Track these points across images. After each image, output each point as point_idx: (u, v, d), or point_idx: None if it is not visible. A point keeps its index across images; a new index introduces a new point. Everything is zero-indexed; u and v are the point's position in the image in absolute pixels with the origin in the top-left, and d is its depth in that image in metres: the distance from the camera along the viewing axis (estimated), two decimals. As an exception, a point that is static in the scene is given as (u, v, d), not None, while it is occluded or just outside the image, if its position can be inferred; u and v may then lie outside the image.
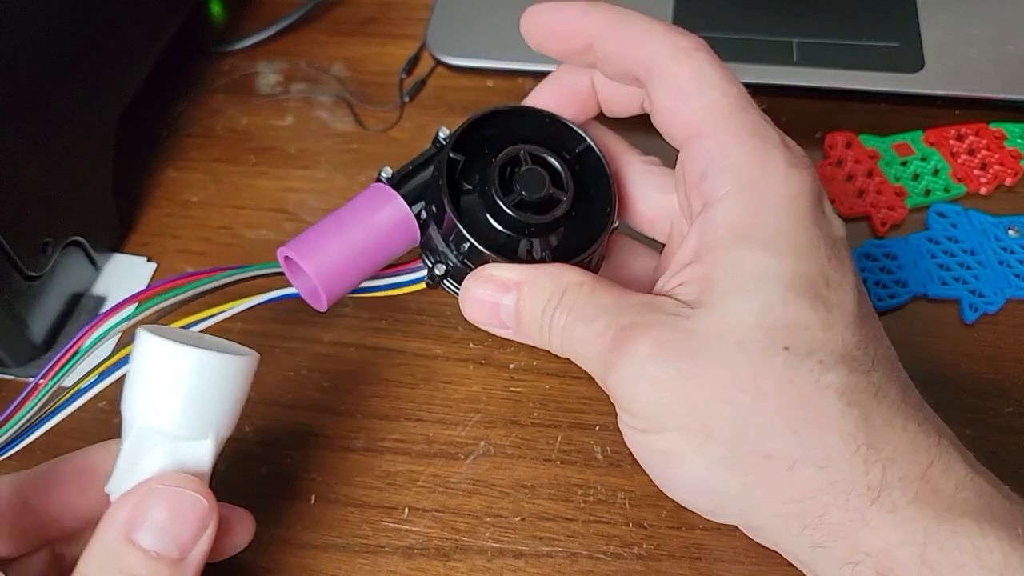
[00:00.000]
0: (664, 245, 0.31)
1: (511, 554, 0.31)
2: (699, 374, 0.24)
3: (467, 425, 0.35)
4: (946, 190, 0.41)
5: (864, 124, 0.43)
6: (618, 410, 0.27)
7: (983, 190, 0.41)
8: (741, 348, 0.24)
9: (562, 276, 0.28)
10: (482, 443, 0.34)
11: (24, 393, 0.29)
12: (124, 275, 0.40)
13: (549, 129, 0.31)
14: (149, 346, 0.26)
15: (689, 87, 0.27)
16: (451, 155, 0.30)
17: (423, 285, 0.31)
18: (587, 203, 0.31)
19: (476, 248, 0.29)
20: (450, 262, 0.30)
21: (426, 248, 0.31)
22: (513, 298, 0.28)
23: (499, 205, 0.29)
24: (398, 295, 0.32)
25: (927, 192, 0.41)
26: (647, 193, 0.31)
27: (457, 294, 0.31)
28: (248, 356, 0.28)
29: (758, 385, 0.24)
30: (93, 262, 0.39)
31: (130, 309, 0.31)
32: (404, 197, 0.31)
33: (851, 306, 0.25)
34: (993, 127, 0.42)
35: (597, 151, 0.31)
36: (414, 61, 0.48)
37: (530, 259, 0.29)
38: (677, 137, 0.28)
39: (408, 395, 0.35)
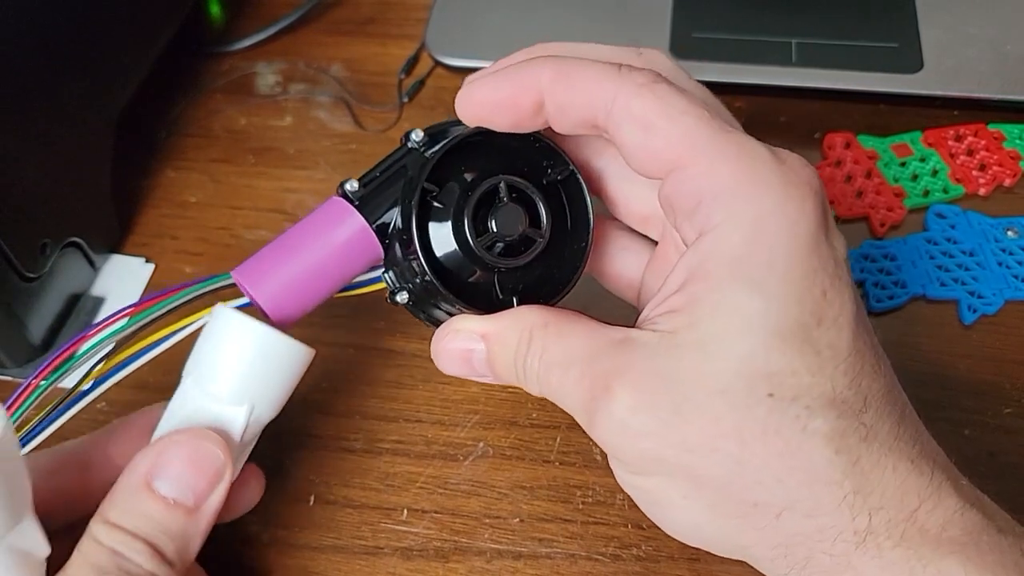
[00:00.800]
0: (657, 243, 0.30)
1: (510, 555, 0.31)
2: (683, 424, 0.24)
3: (466, 426, 0.35)
4: (945, 191, 0.41)
5: (863, 125, 0.43)
6: (608, 455, 0.27)
7: (982, 191, 0.41)
8: (723, 396, 0.24)
9: (526, 319, 0.27)
10: (481, 444, 0.34)
11: (13, 395, 0.29)
12: (122, 276, 0.40)
13: (532, 147, 0.29)
14: (216, 316, 0.28)
15: (659, 121, 0.25)
16: (425, 185, 0.27)
17: (383, 284, 0.30)
18: (563, 233, 0.29)
19: (440, 290, 0.27)
20: (412, 287, 0.29)
21: (390, 265, 0.30)
22: (483, 348, 0.28)
23: (469, 243, 0.27)
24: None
25: (926, 193, 0.41)
26: (636, 190, 0.29)
27: (419, 319, 0.30)
28: (303, 347, 0.28)
29: (742, 435, 0.23)
30: (91, 263, 0.39)
31: (122, 322, 0.31)
32: (366, 206, 0.29)
33: (845, 343, 0.24)
34: (992, 128, 0.42)
35: (580, 179, 0.29)
36: (413, 62, 0.48)
37: (496, 297, 0.28)
38: (656, 172, 0.26)
39: (407, 396, 0.35)
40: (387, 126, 0.45)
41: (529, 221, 0.28)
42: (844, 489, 0.23)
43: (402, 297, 0.29)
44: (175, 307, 0.31)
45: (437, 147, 0.28)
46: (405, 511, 0.33)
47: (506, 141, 0.28)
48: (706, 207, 0.25)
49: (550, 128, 0.28)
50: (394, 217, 0.29)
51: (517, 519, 0.32)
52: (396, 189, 0.29)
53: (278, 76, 0.48)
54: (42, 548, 0.25)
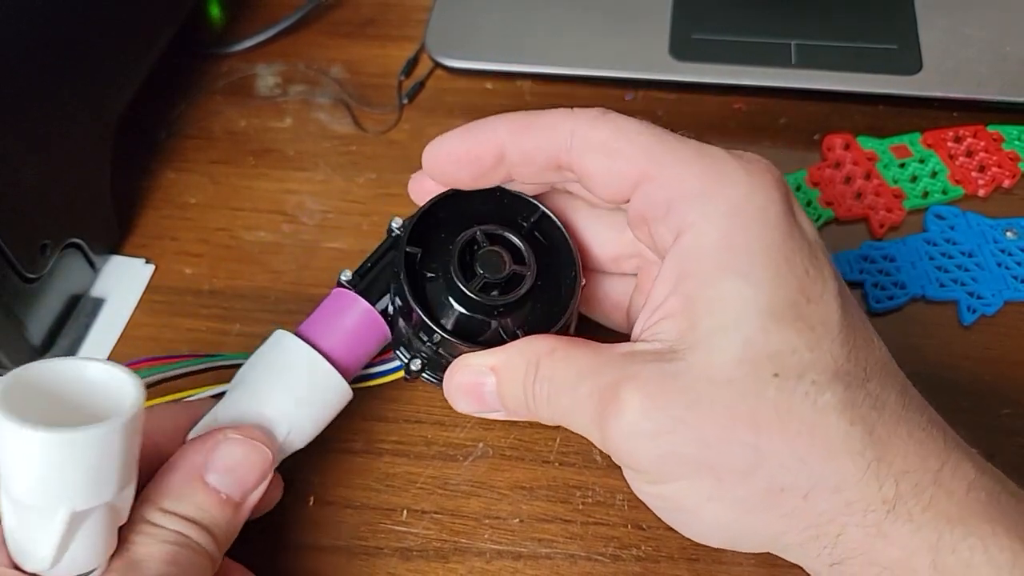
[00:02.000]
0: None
1: (510, 556, 0.31)
2: (697, 419, 0.24)
3: (465, 427, 0.35)
4: (944, 192, 0.41)
5: (862, 126, 0.43)
6: (623, 468, 0.27)
7: (981, 192, 0.41)
8: (732, 385, 0.24)
9: (532, 348, 0.28)
10: (480, 445, 0.34)
11: None
12: (122, 277, 0.40)
13: (501, 202, 0.31)
14: (277, 338, 0.30)
15: (619, 143, 0.27)
16: (408, 249, 0.29)
17: (402, 374, 0.31)
18: (552, 270, 0.31)
19: (447, 339, 0.29)
20: (423, 353, 0.30)
21: (398, 343, 0.31)
22: (493, 382, 0.28)
23: (463, 291, 0.29)
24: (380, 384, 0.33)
25: (925, 194, 0.41)
26: (601, 234, 0.31)
27: (437, 384, 0.31)
28: (347, 386, 0.30)
29: (757, 420, 0.24)
30: (91, 264, 0.39)
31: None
32: (368, 295, 0.31)
33: (835, 316, 0.25)
34: (991, 129, 0.42)
35: (552, 217, 0.31)
36: (413, 63, 0.48)
37: (503, 339, 0.29)
38: (623, 191, 0.27)
39: (407, 397, 0.35)
40: (387, 128, 0.45)
41: (513, 260, 0.30)
42: (867, 458, 0.24)
43: (415, 364, 0.30)
44: (180, 374, 0.34)
45: (412, 215, 0.30)
46: (405, 511, 0.33)
47: (476, 201, 0.31)
48: (678, 210, 0.26)
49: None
50: (389, 298, 0.31)
51: (517, 519, 0.32)
52: (388, 275, 0.31)
53: (278, 78, 0.48)
54: (127, 513, 0.26)
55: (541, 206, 0.31)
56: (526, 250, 0.30)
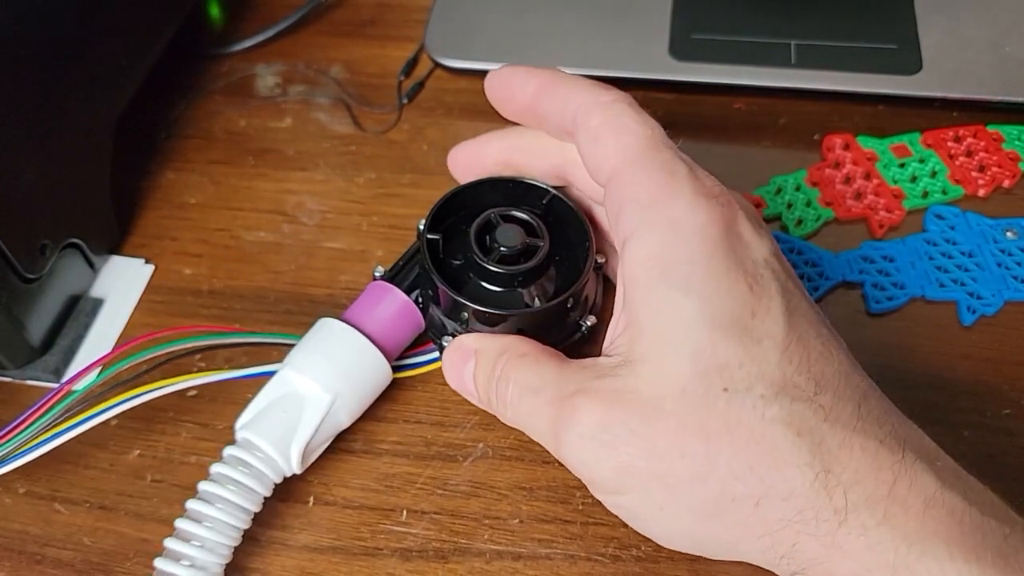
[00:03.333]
0: None
1: (509, 556, 0.31)
2: (650, 432, 0.25)
3: (465, 427, 0.35)
4: (944, 192, 0.41)
5: (862, 126, 0.43)
6: (582, 478, 0.27)
7: (981, 192, 0.41)
8: (683, 397, 0.24)
9: (508, 346, 0.29)
10: (480, 445, 0.34)
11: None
12: (122, 277, 0.40)
13: (514, 192, 0.34)
14: (322, 323, 0.33)
15: (606, 134, 0.28)
16: (429, 236, 0.32)
17: (439, 364, 0.34)
18: (567, 244, 0.33)
19: (477, 310, 0.31)
20: (457, 334, 0.32)
21: (432, 330, 0.34)
22: (471, 366, 0.30)
23: (484, 266, 0.32)
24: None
25: (925, 194, 0.41)
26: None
27: None
28: (388, 366, 0.33)
29: (707, 431, 0.24)
30: (91, 264, 0.39)
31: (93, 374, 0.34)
32: (401, 288, 0.34)
33: (781, 332, 0.25)
34: (991, 129, 0.42)
35: (563, 198, 0.33)
36: (412, 63, 0.48)
37: (527, 307, 0.32)
38: (600, 182, 0.29)
39: (406, 397, 0.35)
40: (387, 127, 0.45)
41: (527, 235, 0.32)
42: (814, 468, 0.24)
43: (448, 342, 0.32)
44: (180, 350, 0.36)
45: (431, 208, 0.33)
46: (404, 512, 0.33)
47: (490, 191, 0.34)
48: (626, 215, 0.27)
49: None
50: (419, 292, 0.34)
51: (517, 520, 0.32)
52: (417, 270, 0.34)
53: (278, 78, 0.48)
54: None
55: (551, 189, 0.34)
56: (538, 225, 0.33)
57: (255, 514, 0.30)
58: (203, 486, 0.30)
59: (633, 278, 0.26)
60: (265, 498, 0.31)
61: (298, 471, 0.31)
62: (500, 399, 0.29)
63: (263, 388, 0.32)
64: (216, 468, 0.30)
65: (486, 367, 0.29)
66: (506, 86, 0.32)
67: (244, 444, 0.31)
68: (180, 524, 0.29)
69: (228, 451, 0.30)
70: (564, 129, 0.30)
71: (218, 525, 0.29)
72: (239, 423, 0.31)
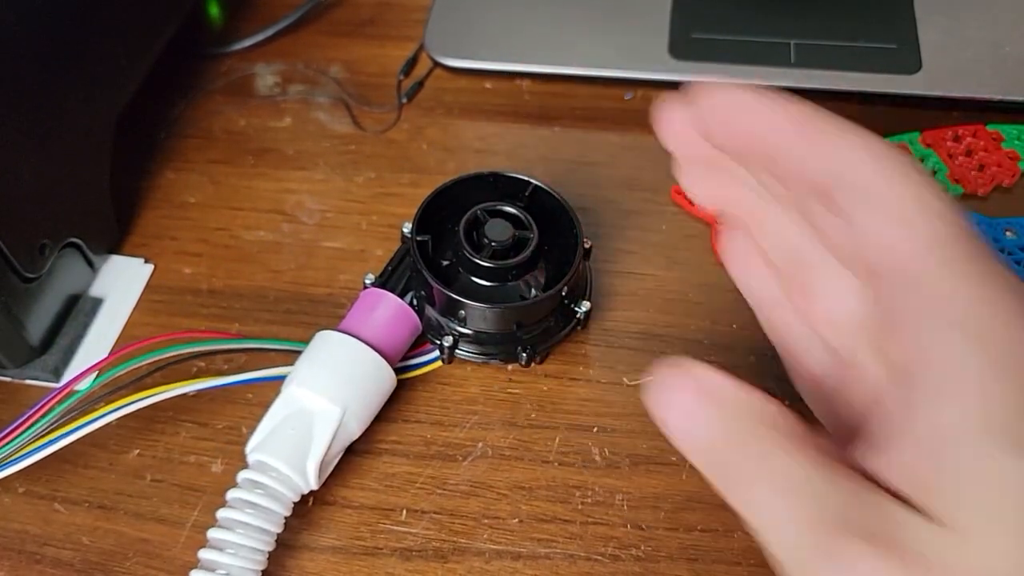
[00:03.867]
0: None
1: (509, 556, 0.31)
2: None
3: (465, 427, 0.35)
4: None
5: (861, 125, 0.43)
6: None
7: (980, 191, 0.41)
8: None
9: (759, 406, 0.22)
10: (480, 445, 0.34)
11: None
12: (121, 276, 0.40)
13: (495, 186, 0.34)
14: (322, 336, 0.33)
15: (915, 216, 0.21)
16: (418, 238, 0.33)
17: (439, 364, 0.35)
18: (557, 234, 0.34)
19: (471, 307, 0.31)
20: (455, 332, 0.33)
21: (429, 330, 0.34)
22: (712, 414, 0.22)
23: (476, 263, 0.32)
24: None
25: (925, 194, 0.41)
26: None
27: (474, 358, 0.34)
28: (391, 371, 0.33)
29: None
30: (90, 264, 0.39)
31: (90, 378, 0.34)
32: (394, 292, 0.34)
33: None
34: (991, 128, 0.42)
35: (545, 187, 0.34)
36: (412, 63, 0.48)
37: (523, 299, 0.32)
38: (869, 264, 0.23)
39: (405, 397, 0.35)
40: (386, 127, 0.45)
41: (515, 227, 0.33)
42: None
43: (447, 340, 0.33)
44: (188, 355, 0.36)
45: (416, 211, 0.34)
46: (404, 511, 0.33)
47: (473, 189, 0.34)
48: (930, 334, 0.21)
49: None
50: (413, 292, 0.34)
51: (516, 519, 0.32)
52: (408, 273, 0.35)
53: (277, 77, 0.48)
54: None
55: (532, 180, 0.34)
56: (525, 217, 0.33)
57: (277, 535, 0.30)
58: (222, 513, 0.29)
59: (943, 439, 0.20)
60: (285, 518, 0.30)
61: (315, 487, 0.31)
62: (731, 478, 0.22)
63: (269, 409, 0.31)
64: (233, 494, 0.30)
65: (736, 430, 0.21)
66: (730, 112, 0.24)
67: (258, 466, 0.30)
68: (204, 555, 0.29)
69: (242, 475, 0.30)
70: (808, 184, 0.24)
71: (241, 551, 0.29)
72: (249, 446, 0.31)
